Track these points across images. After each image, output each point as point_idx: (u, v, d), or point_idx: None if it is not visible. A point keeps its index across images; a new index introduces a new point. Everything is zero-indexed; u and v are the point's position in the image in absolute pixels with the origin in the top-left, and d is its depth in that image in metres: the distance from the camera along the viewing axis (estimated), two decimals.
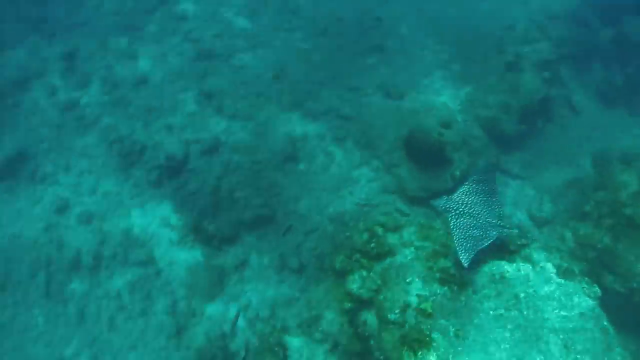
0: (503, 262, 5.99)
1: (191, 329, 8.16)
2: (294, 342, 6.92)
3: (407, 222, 7.20)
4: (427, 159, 7.88)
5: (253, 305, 7.94)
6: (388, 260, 6.58)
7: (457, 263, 5.94)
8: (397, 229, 7.00)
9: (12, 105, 9.99)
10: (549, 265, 6.02)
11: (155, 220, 8.71)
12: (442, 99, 9.37)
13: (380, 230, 6.90)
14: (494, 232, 5.87)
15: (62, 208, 9.06)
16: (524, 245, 6.19)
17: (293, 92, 9.52)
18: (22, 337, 8.69)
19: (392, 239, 6.75)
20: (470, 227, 5.94)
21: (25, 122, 9.81)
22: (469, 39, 10.11)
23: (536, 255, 6.12)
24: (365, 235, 6.88)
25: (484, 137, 8.63)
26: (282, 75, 9.77)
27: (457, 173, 7.84)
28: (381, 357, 5.81)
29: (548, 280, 5.84)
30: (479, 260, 5.94)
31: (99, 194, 9.08)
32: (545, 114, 8.65)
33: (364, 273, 6.56)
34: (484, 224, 5.96)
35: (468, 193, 6.15)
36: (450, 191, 6.47)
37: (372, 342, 6.04)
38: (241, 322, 7.87)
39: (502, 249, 6.11)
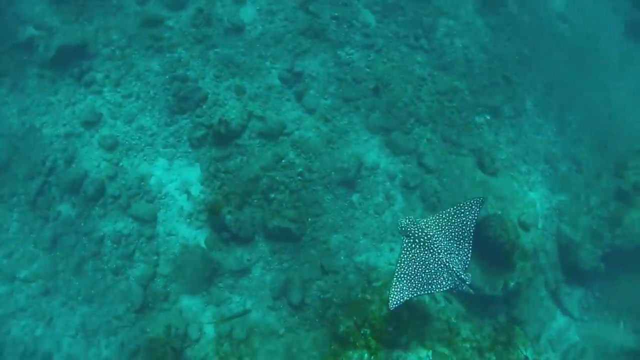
0: None
1: (155, 313, 9.26)
2: None
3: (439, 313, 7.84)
4: (490, 253, 8.64)
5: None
6: (399, 354, 7.19)
7: None
8: None
9: None
10: None
11: (176, 181, 10.05)
12: (533, 195, 10.40)
13: (405, 313, 7.42)
14: (449, 283, 6.20)
15: (92, 123, 10.64)
16: None
17: (386, 114, 10.69)
18: None
19: None
20: (422, 264, 6.24)
21: (102, 20, 11.64)
22: (590, 143, 11.34)
23: None
24: (386, 310, 7.38)
25: (554, 257, 9.72)
26: (384, 91, 10.90)
27: (512, 284, 8.68)
28: None
29: None
30: None
31: (134, 125, 10.58)
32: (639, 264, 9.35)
33: (365, 356, 7.19)
34: (441, 267, 6.24)
35: (440, 224, 6.44)
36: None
37: None
38: (210, 331, 8.64)
39: None
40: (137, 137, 10.45)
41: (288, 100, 10.66)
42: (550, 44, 14.17)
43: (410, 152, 10.36)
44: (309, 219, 9.45)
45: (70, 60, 11.13)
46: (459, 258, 6.28)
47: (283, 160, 9.87)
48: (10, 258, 9.83)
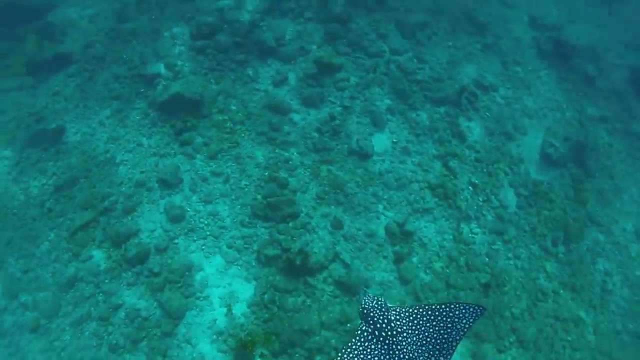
0: None
1: None
2: None
3: None
4: None
5: None
6: None
7: None
8: None
9: (240, 61, 11.69)
10: None
11: (224, 289, 9.01)
12: None
13: None
14: None
15: (168, 184, 9.97)
16: None
17: (486, 319, 9.25)
18: (20, 243, 9.58)
19: None
20: None
21: (230, 85, 11.32)
22: None
23: None
24: None
25: None
26: (494, 292, 9.60)
27: None
28: None
29: None
30: None
31: (208, 208, 9.81)
32: None
33: None
34: None
35: (416, 321, 5.13)
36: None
37: None
38: None
39: None
40: (206, 222, 9.64)
41: (384, 257, 9.54)
42: None
43: None
44: None
45: (179, 112, 10.80)
46: None
47: (349, 324, 8.55)
48: (24, 274, 9.17)
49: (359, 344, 5.08)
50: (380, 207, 9.96)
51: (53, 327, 8.60)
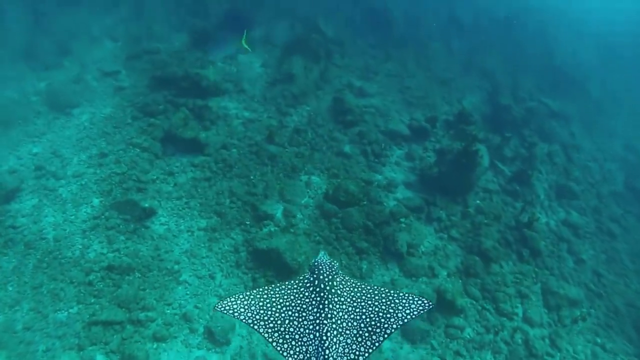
0: None
1: None
2: None
3: None
4: None
5: None
6: None
7: None
8: None
9: (359, 249, 10.90)
10: None
11: None
12: None
13: None
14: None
15: (215, 340, 8.99)
16: None
17: None
18: (44, 295, 9.21)
19: None
20: (298, 313, 5.08)
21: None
22: None
23: None
24: None
25: None
26: None
27: None
28: None
29: None
30: None
31: None
32: None
33: None
34: (313, 335, 4.85)
35: (360, 295, 5.24)
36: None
37: None
38: None
39: None
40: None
41: None
42: None
43: None
44: None
45: (268, 268, 10.17)
46: (348, 349, 4.81)
47: None
48: (22, 330, 8.57)
49: (295, 286, 5.38)
50: None
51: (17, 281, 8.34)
